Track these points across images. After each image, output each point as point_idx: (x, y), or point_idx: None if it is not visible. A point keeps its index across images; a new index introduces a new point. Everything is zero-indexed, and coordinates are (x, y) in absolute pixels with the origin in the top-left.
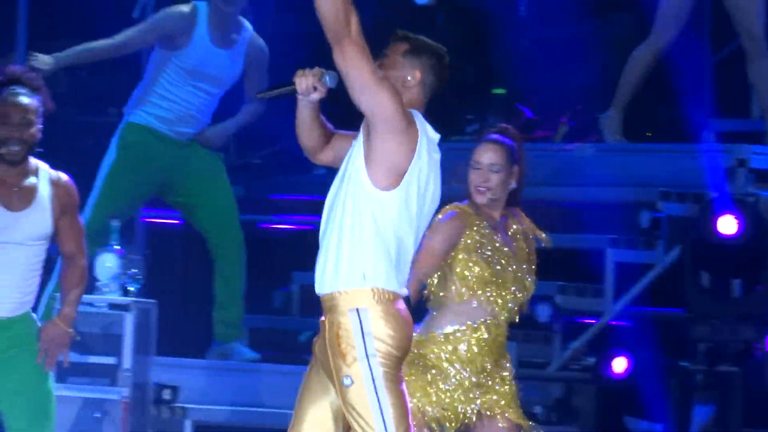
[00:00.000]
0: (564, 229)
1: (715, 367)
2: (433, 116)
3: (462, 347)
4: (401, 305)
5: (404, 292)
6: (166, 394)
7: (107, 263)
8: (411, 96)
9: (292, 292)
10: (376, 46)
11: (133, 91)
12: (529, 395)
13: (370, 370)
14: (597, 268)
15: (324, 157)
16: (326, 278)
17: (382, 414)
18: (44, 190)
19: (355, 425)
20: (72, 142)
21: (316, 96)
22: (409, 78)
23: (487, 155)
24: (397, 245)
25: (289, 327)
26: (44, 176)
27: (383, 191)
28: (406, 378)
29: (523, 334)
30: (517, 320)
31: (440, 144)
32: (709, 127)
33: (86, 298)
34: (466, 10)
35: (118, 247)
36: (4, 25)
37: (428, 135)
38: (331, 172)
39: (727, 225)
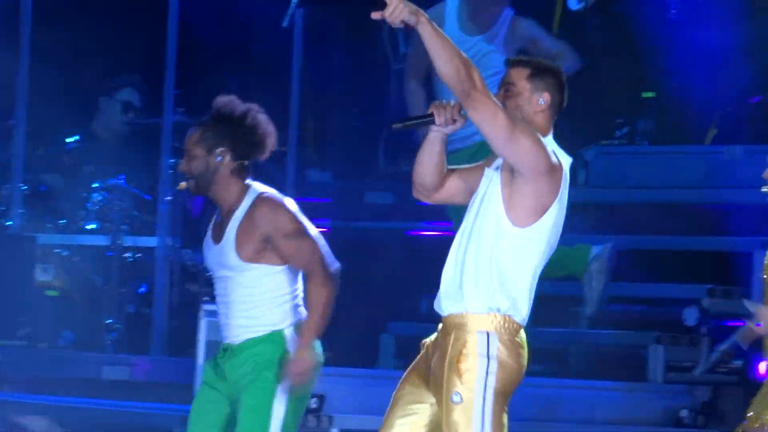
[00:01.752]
0: (713, 231)
1: None
2: (583, 121)
3: None
4: (524, 336)
5: (524, 323)
6: (313, 403)
7: None
8: (542, 120)
9: None
10: None
11: None
12: (677, 399)
13: (484, 392)
14: (746, 271)
15: (440, 197)
16: (458, 299)
17: None
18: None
19: None
20: None
21: (452, 128)
22: (541, 102)
23: None
24: (532, 278)
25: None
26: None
27: (523, 229)
28: None
29: (671, 338)
30: None
31: (591, 148)
32: None
33: None
34: (617, 14)
35: None
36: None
37: (566, 168)
38: None
39: None
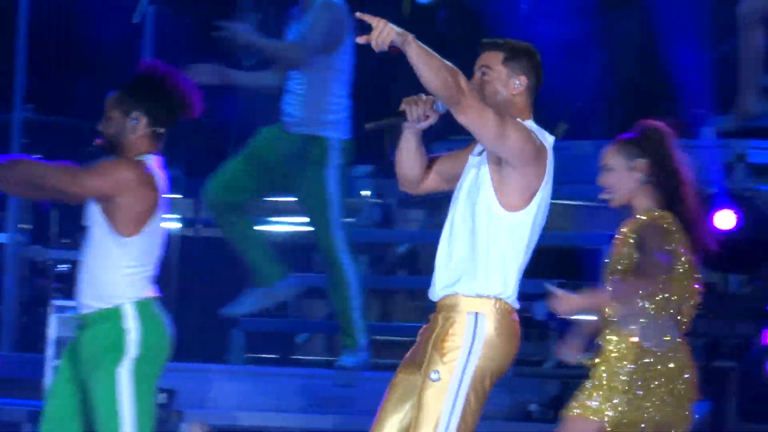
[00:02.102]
0: (562, 228)
1: (712, 362)
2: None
3: None
4: (516, 318)
5: (517, 305)
6: (162, 398)
7: None
8: (520, 102)
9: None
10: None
11: None
12: (526, 393)
13: (462, 375)
14: (595, 266)
15: (426, 187)
16: (451, 283)
17: (448, 421)
18: None
19: (413, 419)
20: None
21: (426, 124)
22: (517, 84)
23: None
24: (523, 260)
25: (285, 329)
26: None
27: (514, 212)
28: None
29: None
30: None
31: (440, 144)
32: (709, 123)
33: None
34: (467, 8)
35: None
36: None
37: (550, 148)
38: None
39: (726, 220)
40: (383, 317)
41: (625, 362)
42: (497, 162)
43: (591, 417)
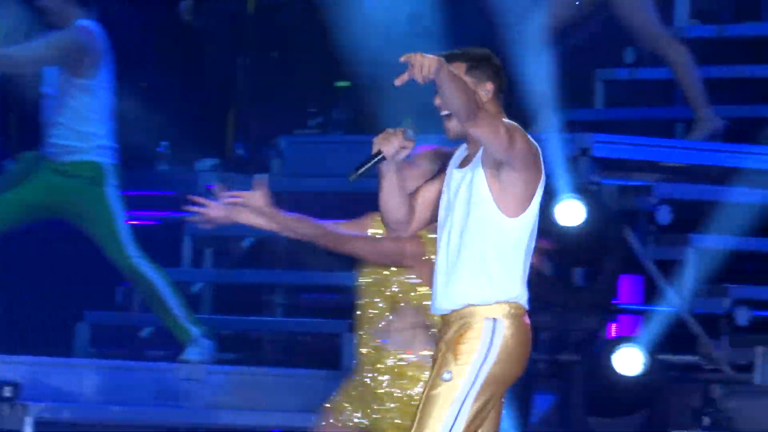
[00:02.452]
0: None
1: (557, 355)
2: (278, 110)
3: None
4: (528, 320)
5: (527, 306)
6: (7, 392)
7: None
8: (492, 108)
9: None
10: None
11: None
12: None
13: (474, 379)
14: None
15: (418, 225)
16: (462, 297)
17: (453, 424)
18: None
19: (417, 419)
20: None
21: (405, 153)
22: (485, 93)
23: None
24: (527, 261)
25: (131, 323)
26: None
27: (516, 218)
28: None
29: None
30: None
31: (284, 138)
32: (548, 116)
33: None
34: (310, 4)
35: None
36: None
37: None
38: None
39: (570, 214)
40: (228, 311)
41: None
42: (495, 171)
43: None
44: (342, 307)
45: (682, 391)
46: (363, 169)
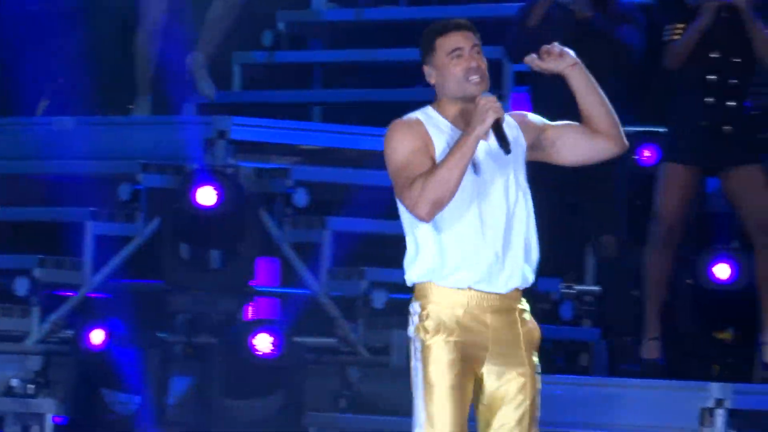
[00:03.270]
0: (44, 203)
1: (194, 338)
2: None
3: None
4: None
5: None
6: None
7: None
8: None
9: None
10: None
11: None
12: (6, 369)
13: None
14: (77, 241)
15: None
16: (525, 276)
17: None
18: None
19: (533, 412)
20: None
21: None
22: (432, 82)
23: None
24: None
25: None
26: None
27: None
28: None
29: (1, 308)
30: None
31: None
32: (190, 99)
33: None
34: None
35: None
36: None
37: None
38: None
39: (206, 196)
40: None
41: None
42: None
43: None
44: None
45: (319, 373)
46: (505, 137)
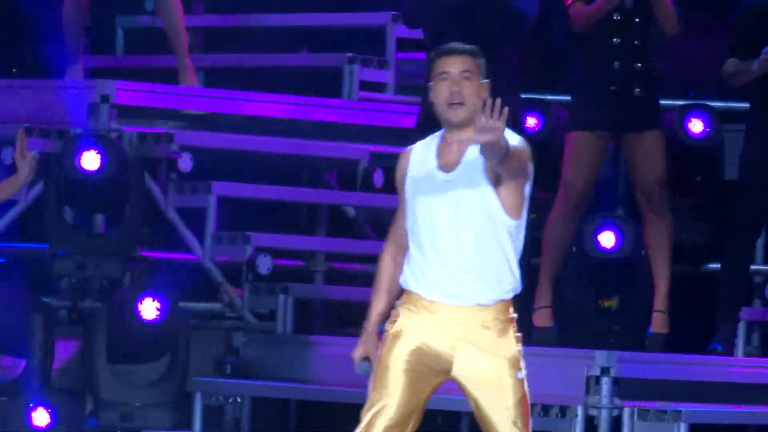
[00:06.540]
0: None
1: (79, 302)
2: None
3: None
4: None
5: None
6: None
7: None
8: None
9: None
10: None
11: None
12: None
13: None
14: None
15: None
16: (487, 293)
17: None
18: None
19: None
20: None
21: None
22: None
23: None
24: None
25: None
26: None
27: (519, 220)
28: None
29: None
30: None
31: None
32: (74, 62)
33: None
34: None
35: None
36: None
37: None
38: None
39: (90, 161)
40: None
41: None
42: (497, 175)
43: None
44: None
45: (204, 338)
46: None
